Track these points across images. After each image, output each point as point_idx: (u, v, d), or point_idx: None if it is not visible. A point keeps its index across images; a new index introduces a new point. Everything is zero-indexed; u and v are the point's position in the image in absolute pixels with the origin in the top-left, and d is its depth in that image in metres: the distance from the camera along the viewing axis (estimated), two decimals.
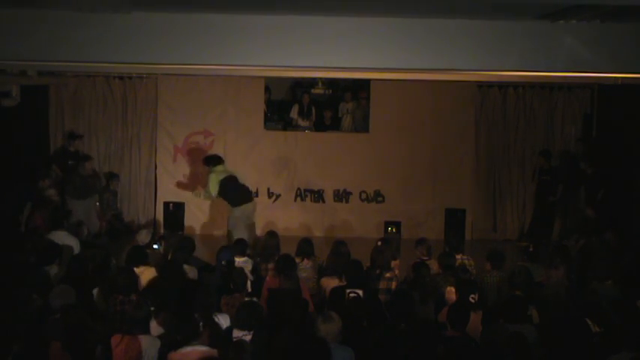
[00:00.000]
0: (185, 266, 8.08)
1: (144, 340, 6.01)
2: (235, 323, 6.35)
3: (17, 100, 11.37)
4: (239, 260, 8.51)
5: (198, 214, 13.65)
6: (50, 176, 11.83)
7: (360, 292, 7.28)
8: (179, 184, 13.50)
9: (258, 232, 11.80)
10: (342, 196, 13.74)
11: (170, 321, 6.45)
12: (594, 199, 12.06)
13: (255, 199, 11.98)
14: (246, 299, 6.93)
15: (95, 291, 7.30)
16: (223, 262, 8.15)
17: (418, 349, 5.87)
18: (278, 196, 13.74)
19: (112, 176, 13.22)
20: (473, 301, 6.98)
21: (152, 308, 6.54)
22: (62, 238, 9.05)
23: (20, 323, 6.06)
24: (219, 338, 6.05)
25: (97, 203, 12.40)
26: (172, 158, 13.70)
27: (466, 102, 13.63)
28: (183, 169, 13.69)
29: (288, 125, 13.99)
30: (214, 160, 11.31)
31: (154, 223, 13.54)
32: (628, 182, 11.99)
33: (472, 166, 13.75)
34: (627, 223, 11.69)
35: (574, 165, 12.86)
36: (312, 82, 14.24)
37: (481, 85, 13.57)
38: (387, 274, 8.02)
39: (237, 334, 6.16)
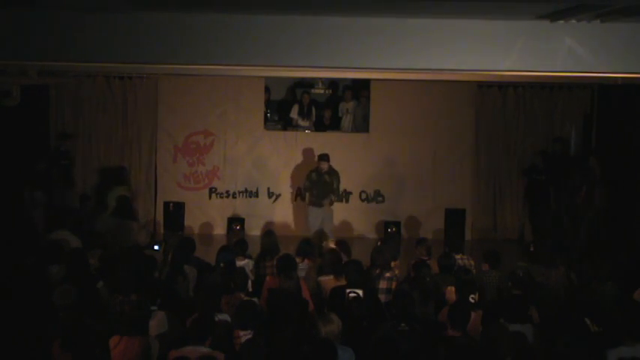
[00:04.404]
0: (185, 266, 8.08)
1: (142, 341, 6.00)
2: (235, 323, 6.34)
3: (17, 100, 11.37)
4: (239, 263, 8.49)
5: (198, 214, 13.65)
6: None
7: (360, 292, 7.27)
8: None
9: (258, 231, 11.78)
10: (342, 196, 13.73)
11: (171, 321, 6.45)
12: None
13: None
14: (246, 299, 6.94)
15: (100, 285, 7.29)
16: (222, 265, 8.14)
17: (418, 349, 5.87)
18: (278, 196, 13.74)
19: None
20: (473, 301, 6.98)
21: (153, 308, 6.55)
22: (64, 237, 9.03)
23: (21, 323, 6.06)
24: (220, 339, 6.05)
25: None
26: (172, 158, 13.71)
27: (466, 102, 13.63)
28: (183, 169, 13.69)
29: (288, 125, 13.99)
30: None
31: (154, 223, 13.54)
32: (628, 182, 11.98)
33: (472, 166, 13.74)
34: (628, 223, 11.69)
35: (573, 164, 12.81)
36: (312, 82, 14.25)
37: (481, 85, 13.56)
38: (387, 274, 8.01)
39: (238, 334, 6.16)
